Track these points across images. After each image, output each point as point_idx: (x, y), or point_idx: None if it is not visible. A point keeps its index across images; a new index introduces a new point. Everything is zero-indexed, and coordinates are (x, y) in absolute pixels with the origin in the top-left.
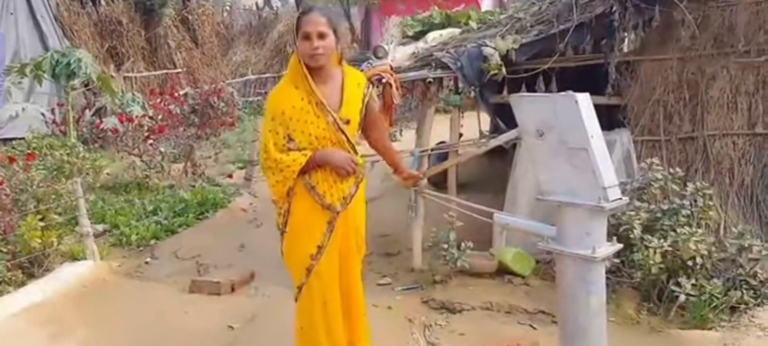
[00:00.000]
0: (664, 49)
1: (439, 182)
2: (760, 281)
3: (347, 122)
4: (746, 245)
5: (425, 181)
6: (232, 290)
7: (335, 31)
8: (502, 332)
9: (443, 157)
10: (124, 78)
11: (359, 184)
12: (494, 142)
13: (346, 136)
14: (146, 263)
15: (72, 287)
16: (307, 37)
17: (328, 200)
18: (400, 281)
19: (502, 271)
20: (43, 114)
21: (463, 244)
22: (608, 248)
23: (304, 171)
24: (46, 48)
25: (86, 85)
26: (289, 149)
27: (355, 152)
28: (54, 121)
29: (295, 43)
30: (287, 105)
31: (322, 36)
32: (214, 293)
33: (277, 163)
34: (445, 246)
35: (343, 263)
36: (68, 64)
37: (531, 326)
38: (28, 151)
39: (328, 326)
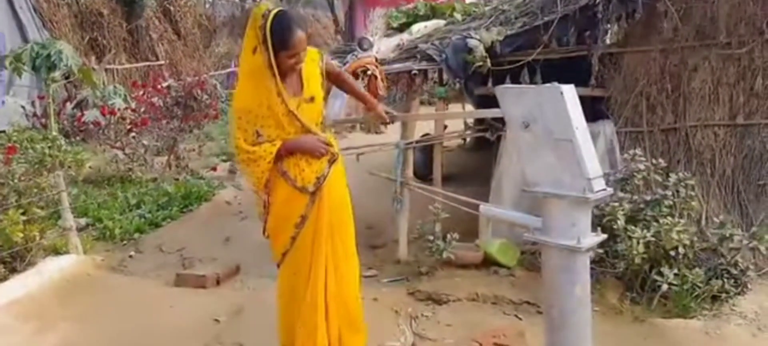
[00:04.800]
0: (646, 41)
1: (424, 175)
2: (741, 270)
3: (312, 99)
4: (727, 235)
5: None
6: (218, 283)
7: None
8: (488, 323)
9: (428, 149)
10: (106, 70)
11: (332, 165)
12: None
13: (300, 123)
14: (130, 256)
15: (55, 282)
16: (294, 56)
17: (300, 184)
18: (385, 273)
19: (488, 262)
20: (23, 107)
21: (448, 235)
22: (593, 239)
23: (276, 159)
24: (25, 40)
25: (67, 78)
26: (260, 143)
27: (324, 132)
28: (34, 114)
29: (267, 49)
30: (253, 103)
31: (304, 49)
32: (199, 286)
33: (249, 155)
34: (431, 238)
35: (331, 239)
36: (49, 56)
37: (516, 316)
38: (9, 145)
39: (292, 299)
